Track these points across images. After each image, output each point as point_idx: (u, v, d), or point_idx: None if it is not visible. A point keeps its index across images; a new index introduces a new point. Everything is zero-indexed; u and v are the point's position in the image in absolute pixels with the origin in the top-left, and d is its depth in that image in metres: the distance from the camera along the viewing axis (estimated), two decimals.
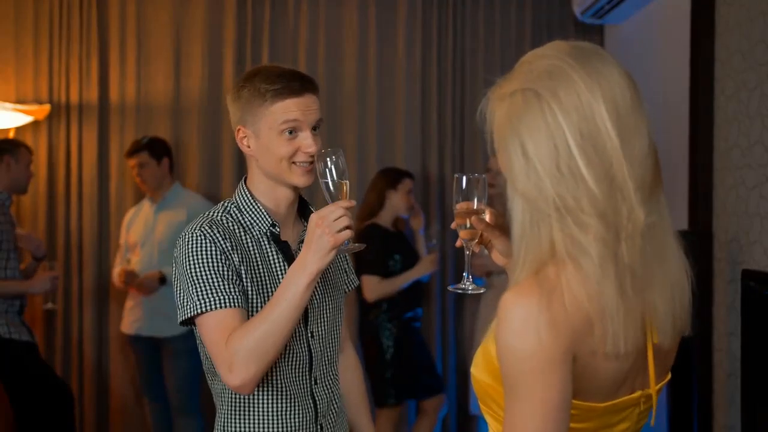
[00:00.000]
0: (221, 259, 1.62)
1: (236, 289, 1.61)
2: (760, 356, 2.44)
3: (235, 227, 1.70)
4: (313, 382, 1.74)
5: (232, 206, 1.75)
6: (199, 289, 1.59)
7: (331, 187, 1.61)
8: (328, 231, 1.53)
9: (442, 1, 4.36)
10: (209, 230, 1.64)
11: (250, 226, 1.72)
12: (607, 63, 1.07)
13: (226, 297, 1.59)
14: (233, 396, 1.71)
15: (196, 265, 1.61)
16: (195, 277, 1.60)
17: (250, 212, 1.73)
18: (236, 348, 1.53)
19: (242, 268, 1.65)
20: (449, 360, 4.33)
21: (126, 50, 4.24)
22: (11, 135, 3.99)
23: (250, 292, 1.65)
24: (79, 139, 4.21)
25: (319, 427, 1.75)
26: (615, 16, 3.99)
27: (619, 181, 1.02)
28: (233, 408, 1.71)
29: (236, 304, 1.59)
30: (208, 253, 1.62)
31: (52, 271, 3.54)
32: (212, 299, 1.58)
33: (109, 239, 4.23)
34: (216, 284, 1.59)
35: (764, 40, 2.65)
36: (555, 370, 1.00)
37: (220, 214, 1.73)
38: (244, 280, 1.65)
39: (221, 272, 1.61)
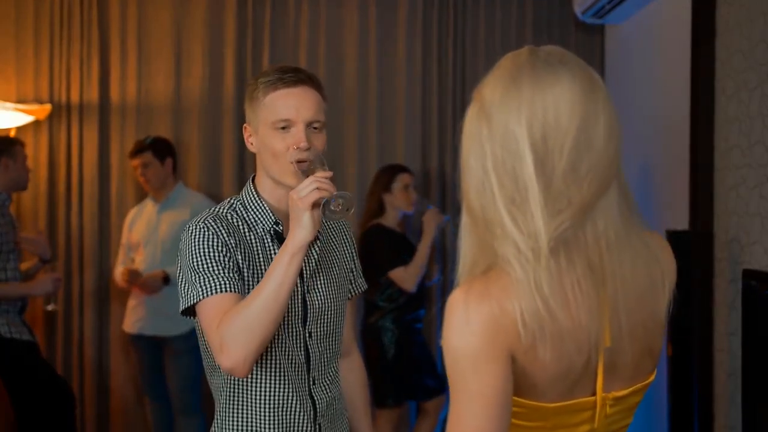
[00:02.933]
0: (222, 251, 1.63)
1: (235, 276, 1.62)
2: (761, 356, 2.44)
3: (240, 224, 1.72)
4: (311, 382, 1.74)
5: (238, 203, 1.76)
6: (200, 278, 1.61)
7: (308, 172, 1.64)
8: (297, 197, 1.56)
9: (442, 1, 4.36)
10: (213, 224, 1.67)
11: (254, 224, 1.73)
12: (557, 74, 1.07)
13: (224, 282, 1.60)
14: (231, 392, 1.71)
15: (198, 256, 1.63)
16: (196, 267, 1.62)
17: (255, 210, 1.74)
18: (226, 329, 1.54)
19: (245, 265, 1.66)
20: None
21: (127, 50, 4.24)
22: (12, 135, 3.98)
23: (251, 288, 1.66)
24: (80, 139, 4.21)
25: (317, 426, 1.75)
26: (615, 16, 3.99)
27: (531, 205, 1.05)
28: (231, 404, 1.72)
29: (233, 290, 1.60)
30: (210, 243, 1.64)
31: (54, 273, 3.54)
32: (210, 285, 1.60)
33: (110, 239, 4.23)
34: (215, 272, 1.61)
35: (765, 40, 2.65)
36: (487, 367, 1.04)
37: (225, 210, 1.74)
38: (246, 276, 1.66)
39: (222, 262, 1.62)
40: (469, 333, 1.04)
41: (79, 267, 4.21)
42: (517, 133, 1.05)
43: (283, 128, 1.68)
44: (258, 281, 1.66)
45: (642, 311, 1.13)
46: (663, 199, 3.49)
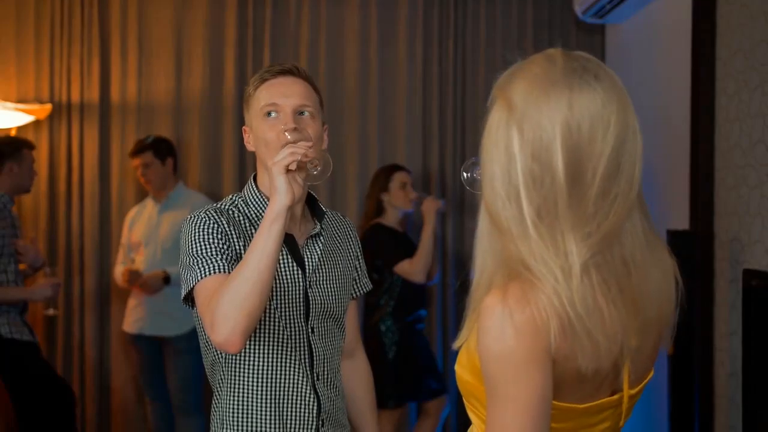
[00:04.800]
0: (222, 239, 1.65)
1: (233, 262, 1.63)
2: (761, 356, 2.44)
3: (242, 219, 1.74)
4: (315, 378, 1.75)
5: (239, 199, 1.79)
6: (198, 262, 1.62)
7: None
8: (271, 163, 1.56)
9: (443, 1, 4.36)
10: (214, 214, 1.69)
11: (256, 219, 1.75)
12: (593, 92, 1.05)
13: (220, 265, 1.61)
14: (233, 387, 1.72)
15: (197, 242, 1.64)
16: (195, 253, 1.63)
17: (256, 205, 1.76)
18: (215, 304, 1.53)
19: None
20: (451, 360, 4.33)
21: (127, 49, 4.25)
22: (13, 134, 3.98)
23: None
24: (81, 139, 4.21)
25: (320, 422, 1.76)
26: (616, 16, 3.99)
27: (561, 224, 1.04)
28: (233, 400, 1.72)
29: (227, 271, 1.60)
30: (210, 231, 1.65)
31: (53, 278, 3.52)
32: (207, 267, 1.60)
33: (111, 239, 4.23)
34: (213, 256, 1.62)
35: (765, 40, 2.65)
36: (530, 372, 1.02)
37: (227, 206, 1.77)
38: None
39: (220, 248, 1.63)
40: (512, 337, 1.02)
41: (80, 267, 4.21)
42: (552, 147, 1.03)
43: (271, 114, 1.71)
44: None
45: (656, 315, 1.14)
46: (663, 199, 3.49)
